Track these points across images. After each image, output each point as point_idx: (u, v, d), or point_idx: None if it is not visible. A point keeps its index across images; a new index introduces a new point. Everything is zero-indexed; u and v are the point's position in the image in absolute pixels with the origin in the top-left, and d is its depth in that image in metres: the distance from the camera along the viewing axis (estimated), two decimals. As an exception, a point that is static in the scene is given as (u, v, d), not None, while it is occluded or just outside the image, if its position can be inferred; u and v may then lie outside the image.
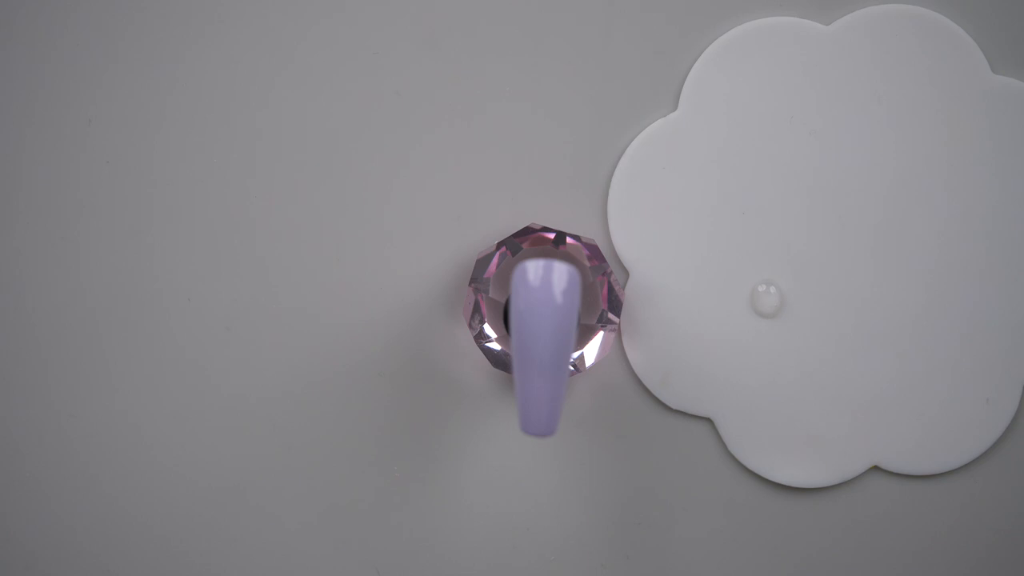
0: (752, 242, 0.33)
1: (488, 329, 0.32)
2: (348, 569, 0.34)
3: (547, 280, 0.28)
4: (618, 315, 0.33)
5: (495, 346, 0.33)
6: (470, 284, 0.32)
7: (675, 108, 0.34)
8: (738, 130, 0.33)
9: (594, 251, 0.32)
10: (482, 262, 0.32)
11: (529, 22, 0.33)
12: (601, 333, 0.33)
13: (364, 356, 0.34)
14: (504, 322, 0.32)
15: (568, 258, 0.32)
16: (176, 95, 0.34)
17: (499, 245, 0.32)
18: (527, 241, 0.32)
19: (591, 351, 0.33)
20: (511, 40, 0.33)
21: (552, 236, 0.32)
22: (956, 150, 0.33)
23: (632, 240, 0.34)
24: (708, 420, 0.34)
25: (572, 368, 0.33)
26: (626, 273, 0.34)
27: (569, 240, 0.32)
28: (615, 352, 0.34)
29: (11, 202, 0.34)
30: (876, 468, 0.34)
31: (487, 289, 0.32)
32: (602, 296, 0.32)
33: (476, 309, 0.32)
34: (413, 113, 0.34)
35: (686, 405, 0.34)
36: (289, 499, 0.34)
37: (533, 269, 0.28)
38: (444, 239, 0.34)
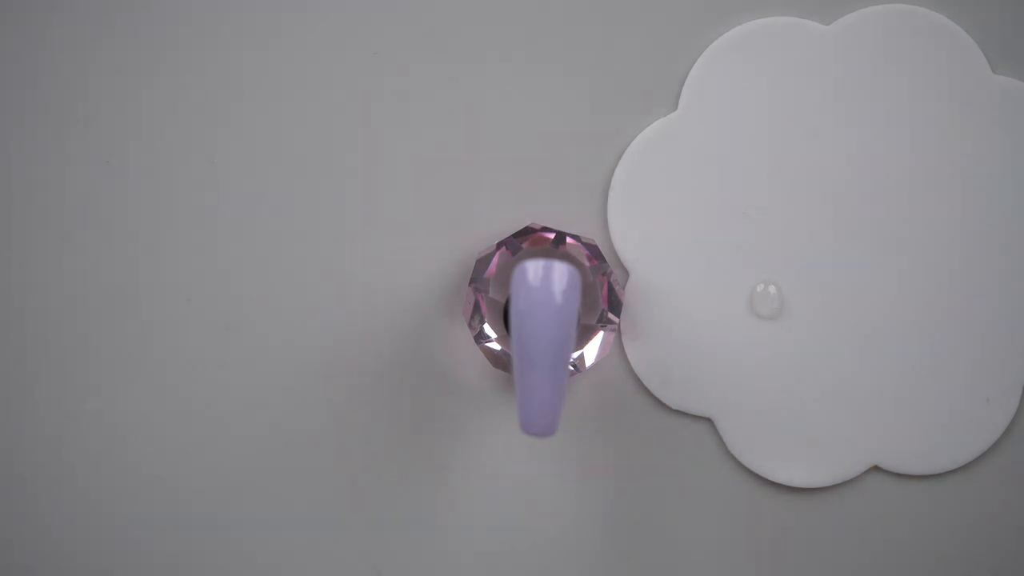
0: (752, 242, 0.33)
1: (488, 329, 0.32)
2: (348, 569, 0.34)
3: (547, 280, 0.28)
4: (618, 315, 0.33)
5: (495, 346, 0.33)
6: (470, 284, 0.32)
7: (675, 108, 0.34)
8: (738, 130, 0.33)
9: (594, 251, 0.32)
10: (482, 262, 0.32)
11: (529, 22, 0.33)
12: (601, 333, 0.33)
13: (364, 356, 0.34)
14: (504, 322, 0.32)
15: (568, 258, 0.32)
16: (176, 95, 0.34)
17: (499, 245, 0.32)
18: (527, 241, 0.32)
19: (591, 351, 0.33)
20: (511, 40, 0.33)
21: (552, 236, 0.32)
22: (956, 150, 0.33)
23: (632, 240, 0.34)
24: (708, 420, 0.34)
25: (572, 368, 0.33)
26: (626, 273, 0.34)
27: (569, 240, 0.32)
28: (615, 352, 0.34)
29: (11, 202, 0.34)
30: (876, 468, 0.34)
31: (487, 289, 0.32)
32: (602, 296, 0.32)
33: (476, 309, 0.32)
34: (413, 113, 0.34)
35: (686, 405, 0.34)
36: (288, 499, 0.34)
37: (533, 269, 0.28)
38: (444, 239, 0.34)
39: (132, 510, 0.34)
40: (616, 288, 0.32)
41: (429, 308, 0.34)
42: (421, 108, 0.34)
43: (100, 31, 0.34)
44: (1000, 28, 0.33)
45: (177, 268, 0.34)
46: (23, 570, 0.34)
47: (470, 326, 0.32)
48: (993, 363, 0.33)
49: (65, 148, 0.34)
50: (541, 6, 0.33)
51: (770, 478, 0.34)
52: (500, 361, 0.33)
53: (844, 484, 0.34)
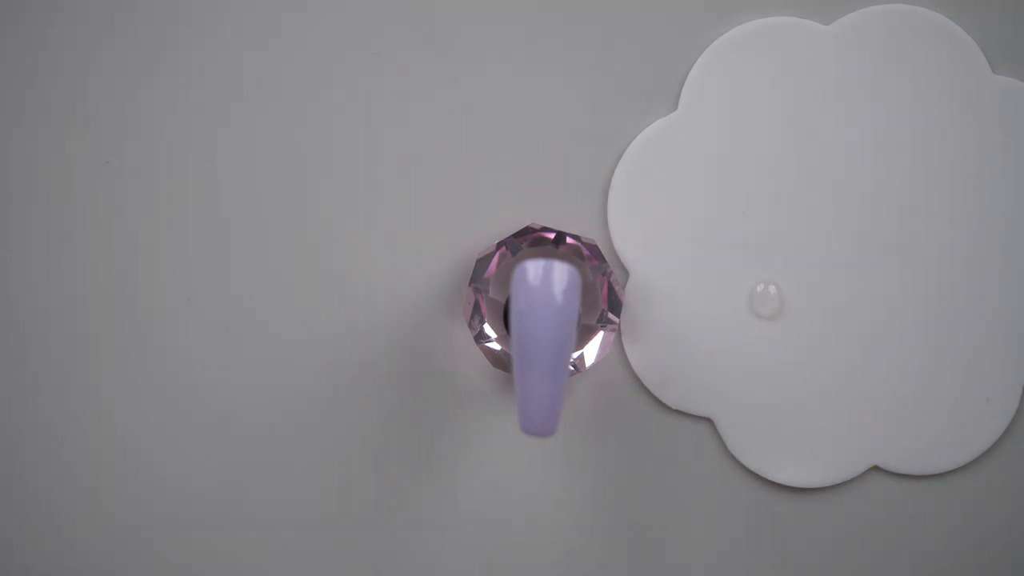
0: (752, 242, 0.33)
1: (488, 329, 0.32)
2: (348, 569, 0.34)
3: (547, 280, 0.28)
4: (618, 315, 0.33)
5: (495, 346, 0.33)
6: (470, 284, 0.32)
7: (675, 108, 0.34)
8: (738, 130, 0.33)
9: (594, 251, 0.32)
10: (482, 262, 0.32)
11: (529, 22, 0.33)
12: (601, 333, 0.33)
13: (364, 356, 0.34)
14: (504, 322, 0.32)
15: (568, 258, 0.32)
16: (176, 95, 0.34)
17: (499, 245, 0.32)
18: (527, 241, 0.32)
19: (591, 351, 0.33)
20: (511, 40, 0.33)
21: (552, 236, 0.32)
22: (956, 150, 0.33)
23: (632, 240, 0.34)
24: (708, 420, 0.34)
25: (572, 368, 0.33)
26: (626, 273, 0.34)
27: (569, 240, 0.32)
28: (615, 352, 0.34)
29: (11, 202, 0.34)
30: (876, 468, 0.34)
31: (487, 289, 0.32)
32: (602, 296, 0.32)
33: (476, 309, 0.32)
34: (413, 113, 0.34)
35: (686, 405, 0.34)
36: (288, 500, 0.34)
37: (533, 269, 0.28)
38: (444, 239, 0.34)
39: (132, 510, 0.34)
40: (616, 288, 0.32)
41: (429, 308, 0.34)
42: (421, 108, 0.34)
43: (100, 31, 0.34)
44: (1000, 28, 0.33)
45: (177, 268, 0.34)
46: (23, 570, 0.34)
47: (470, 326, 0.32)
48: (993, 363, 0.33)
49: (65, 148, 0.34)
50: (541, 6, 0.33)
51: (770, 478, 0.34)
52: (500, 361, 0.33)
53: (844, 484, 0.34)
